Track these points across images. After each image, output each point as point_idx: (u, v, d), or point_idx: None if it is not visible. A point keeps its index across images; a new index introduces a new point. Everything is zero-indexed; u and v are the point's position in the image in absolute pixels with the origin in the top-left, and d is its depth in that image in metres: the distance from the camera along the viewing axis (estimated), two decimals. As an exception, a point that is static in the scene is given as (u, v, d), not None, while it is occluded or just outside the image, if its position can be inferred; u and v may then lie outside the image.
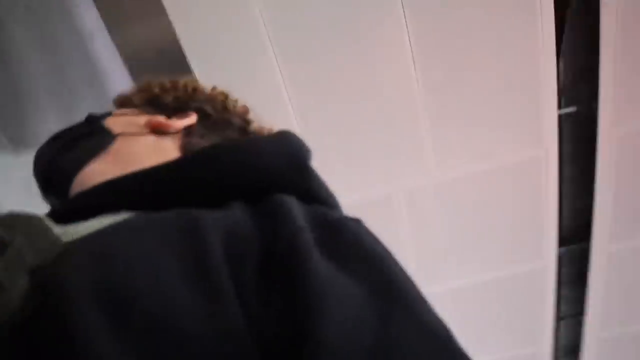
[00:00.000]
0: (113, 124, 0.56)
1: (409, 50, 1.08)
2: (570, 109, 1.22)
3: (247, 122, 0.59)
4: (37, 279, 0.28)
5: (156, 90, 0.60)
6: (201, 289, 0.30)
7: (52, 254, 0.31)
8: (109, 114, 0.59)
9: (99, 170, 0.50)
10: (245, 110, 0.60)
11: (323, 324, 0.27)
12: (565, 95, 1.19)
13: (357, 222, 0.38)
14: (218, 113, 0.59)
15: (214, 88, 0.61)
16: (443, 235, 1.36)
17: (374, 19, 1.05)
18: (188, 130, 0.56)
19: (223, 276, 0.30)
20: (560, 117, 1.19)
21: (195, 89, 0.61)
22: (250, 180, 0.42)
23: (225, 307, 0.29)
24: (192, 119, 0.57)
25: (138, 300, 0.29)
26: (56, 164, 0.54)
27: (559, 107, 1.18)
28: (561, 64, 1.14)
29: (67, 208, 0.43)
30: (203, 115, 0.58)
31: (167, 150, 0.54)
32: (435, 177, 1.25)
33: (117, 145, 0.53)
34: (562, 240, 1.39)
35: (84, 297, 0.28)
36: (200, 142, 0.56)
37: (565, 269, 1.45)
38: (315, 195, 0.42)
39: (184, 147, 0.55)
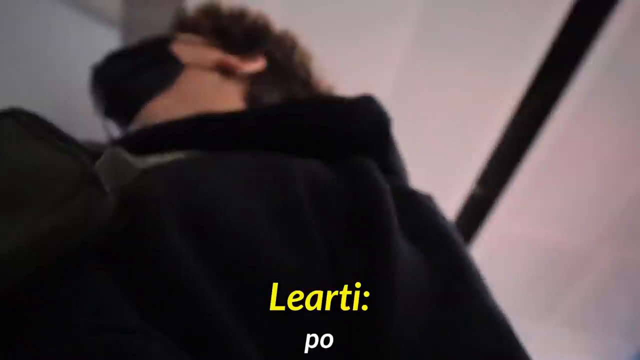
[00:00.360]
0: (181, 51, 0.52)
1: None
2: (479, 190, 1.28)
3: (309, 75, 0.55)
4: (121, 197, 0.27)
5: (225, 19, 0.55)
6: (288, 228, 0.29)
7: (131, 177, 0.30)
8: (174, 37, 0.54)
9: (165, 106, 0.48)
10: (309, 60, 0.56)
11: (392, 295, 0.26)
12: (484, 174, 1.24)
13: (429, 197, 0.37)
14: (285, 61, 0.54)
15: (284, 31, 0.56)
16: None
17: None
18: (254, 77, 0.52)
19: (311, 218, 0.30)
20: (470, 194, 1.24)
21: (267, 27, 0.55)
22: (332, 140, 0.40)
23: (312, 249, 0.28)
24: (261, 64, 0.52)
25: (223, 230, 0.28)
26: (123, 90, 0.51)
27: (475, 182, 1.23)
28: (494, 149, 1.19)
29: (138, 140, 0.40)
30: (271, 61, 0.53)
31: (230, 94, 0.50)
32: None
33: (184, 78, 0.50)
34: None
35: (170, 219, 0.27)
36: (265, 93, 0.52)
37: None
38: (391, 164, 0.42)
39: (248, 95, 0.51)
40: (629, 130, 1.14)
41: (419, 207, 0.35)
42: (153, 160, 0.35)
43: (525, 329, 1.50)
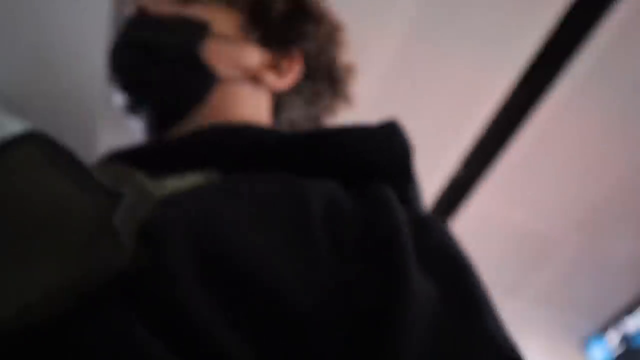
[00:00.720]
0: (214, 58, 0.47)
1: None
2: (462, 172, 1.34)
3: (336, 68, 0.54)
4: (139, 235, 0.27)
5: None
6: (303, 257, 0.29)
7: (149, 207, 0.29)
8: (205, 29, 0.48)
9: (193, 119, 0.47)
10: (340, 47, 0.54)
11: (404, 328, 0.27)
12: (468, 157, 1.29)
13: (441, 222, 0.38)
14: (320, 61, 0.52)
15: (324, 13, 0.53)
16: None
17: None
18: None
19: (325, 248, 0.30)
20: (453, 175, 1.30)
21: (307, 6, 0.52)
22: (352, 167, 0.40)
23: (324, 277, 0.29)
24: (296, 74, 0.50)
25: (240, 269, 0.28)
26: (154, 94, 0.48)
27: (459, 164, 1.28)
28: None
29: (157, 157, 0.40)
30: (305, 65, 0.51)
31: (258, 104, 0.50)
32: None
33: (216, 90, 0.48)
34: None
35: (184, 259, 0.27)
36: (294, 100, 0.51)
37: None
38: (408, 191, 0.42)
39: (276, 103, 0.51)
40: (611, 131, 1.19)
41: (430, 234, 0.35)
42: (171, 184, 0.35)
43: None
